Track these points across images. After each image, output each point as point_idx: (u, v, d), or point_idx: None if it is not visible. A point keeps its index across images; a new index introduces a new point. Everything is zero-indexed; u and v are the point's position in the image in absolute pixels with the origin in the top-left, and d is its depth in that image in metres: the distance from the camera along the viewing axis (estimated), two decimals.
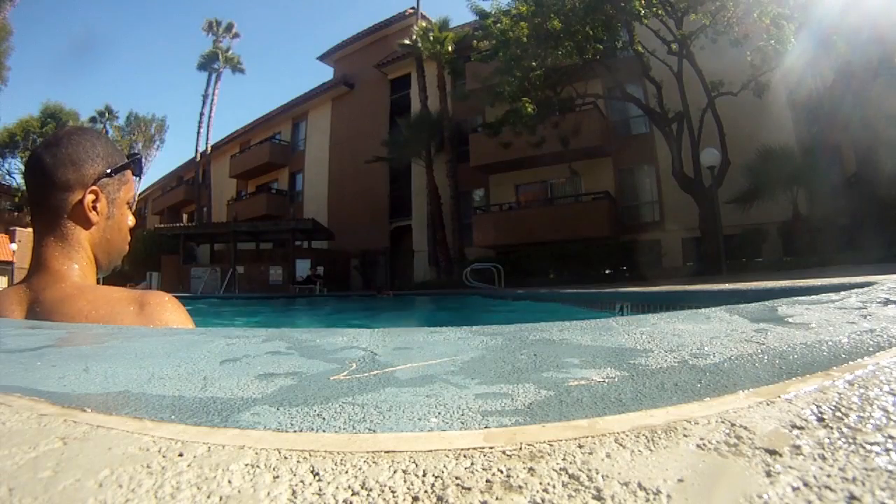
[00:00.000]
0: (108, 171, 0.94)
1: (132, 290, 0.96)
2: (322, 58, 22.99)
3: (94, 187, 0.92)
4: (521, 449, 0.32)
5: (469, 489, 0.27)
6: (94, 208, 0.92)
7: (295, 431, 0.36)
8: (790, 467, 0.28)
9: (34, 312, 0.87)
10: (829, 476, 0.27)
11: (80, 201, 0.90)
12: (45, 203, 0.90)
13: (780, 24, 9.07)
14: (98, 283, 0.96)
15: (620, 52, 12.38)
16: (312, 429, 0.37)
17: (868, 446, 0.31)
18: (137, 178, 1.04)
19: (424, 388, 0.47)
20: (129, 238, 1.03)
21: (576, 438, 0.33)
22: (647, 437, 0.33)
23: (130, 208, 1.03)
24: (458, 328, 0.82)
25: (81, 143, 0.92)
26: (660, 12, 10.53)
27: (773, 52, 9.29)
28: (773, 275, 6.90)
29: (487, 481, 0.28)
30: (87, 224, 0.92)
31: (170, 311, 0.94)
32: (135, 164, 1.00)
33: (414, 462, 0.30)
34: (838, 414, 0.36)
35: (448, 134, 16.42)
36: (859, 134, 9.96)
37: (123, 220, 1.00)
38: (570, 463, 0.30)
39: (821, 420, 0.35)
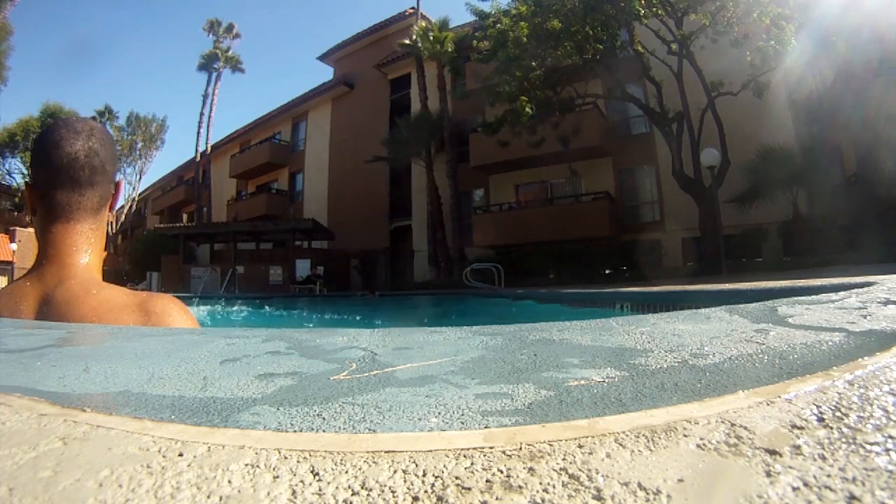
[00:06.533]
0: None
1: (136, 294, 0.95)
2: (322, 58, 22.99)
3: (120, 178, 0.99)
4: (521, 449, 0.32)
5: (469, 489, 0.27)
6: None
7: (295, 431, 0.36)
8: (790, 467, 0.28)
9: (42, 314, 0.87)
10: (829, 476, 0.27)
11: (116, 192, 0.98)
12: (91, 192, 0.92)
13: (780, 24, 9.07)
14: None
15: (620, 52, 12.36)
16: (312, 429, 0.37)
17: (868, 446, 0.31)
18: None
19: (424, 388, 0.48)
20: None
21: (576, 438, 0.33)
22: (647, 437, 0.33)
23: None
24: (458, 328, 0.82)
25: (111, 140, 0.98)
26: (660, 12, 10.52)
27: (773, 52, 9.29)
28: (773, 275, 6.89)
29: (487, 481, 0.28)
30: (110, 213, 1.00)
31: (175, 318, 0.93)
32: None
33: (414, 462, 0.30)
34: (838, 414, 0.36)
35: (448, 134, 16.41)
36: (859, 134, 9.96)
37: None
38: (570, 463, 0.30)
39: (821, 420, 0.35)
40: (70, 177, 0.89)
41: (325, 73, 30.35)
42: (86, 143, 0.91)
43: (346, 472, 0.29)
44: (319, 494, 0.27)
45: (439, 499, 0.26)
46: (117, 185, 0.99)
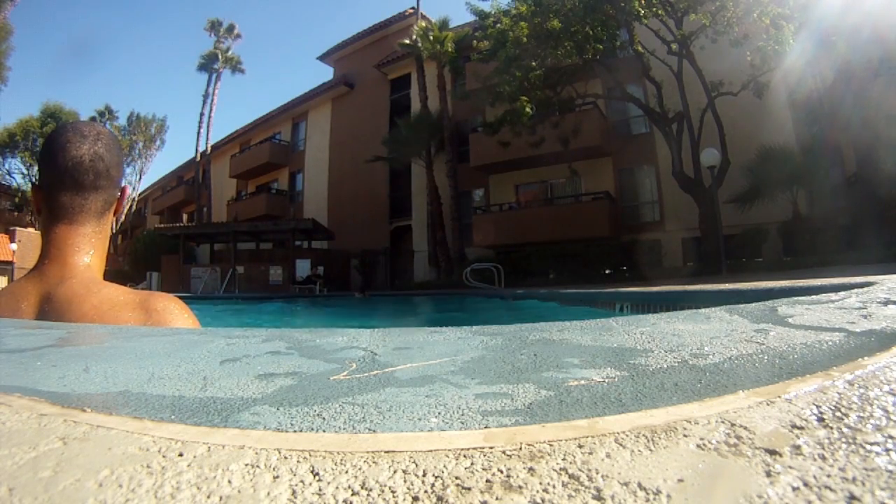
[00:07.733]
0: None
1: (137, 293, 0.95)
2: (322, 58, 22.99)
3: (126, 183, 1.01)
4: (521, 449, 0.32)
5: (469, 489, 0.27)
6: None
7: (295, 431, 0.36)
8: (790, 467, 0.28)
9: (43, 312, 0.87)
10: (829, 476, 0.27)
11: (121, 197, 1.00)
12: (94, 196, 0.93)
13: (779, 24, 9.07)
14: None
15: (620, 52, 12.38)
16: (312, 429, 0.37)
17: (868, 446, 0.31)
18: None
19: (424, 388, 0.48)
20: None
21: (576, 438, 0.33)
22: (647, 437, 0.33)
23: None
24: (459, 328, 0.82)
25: (118, 146, 0.99)
26: (660, 12, 10.53)
27: (773, 52, 9.29)
28: (773, 275, 6.89)
29: (487, 481, 0.28)
30: (114, 216, 1.02)
31: (176, 316, 0.94)
32: None
33: (414, 462, 0.30)
34: (838, 414, 0.36)
35: (448, 134, 16.41)
36: (859, 134, 9.96)
37: None
38: (570, 463, 0.30)
39: (821, 420, 0.35)
40: (74, 180, 0.90)
41: (325, 73, 30.32)
42: (91, 148, 0.91)
43: (346, 472, 0.29)
44: (319, 494, 0.27)
45: (439, 499, 0.26)
46: (122, 191, 0.99)
